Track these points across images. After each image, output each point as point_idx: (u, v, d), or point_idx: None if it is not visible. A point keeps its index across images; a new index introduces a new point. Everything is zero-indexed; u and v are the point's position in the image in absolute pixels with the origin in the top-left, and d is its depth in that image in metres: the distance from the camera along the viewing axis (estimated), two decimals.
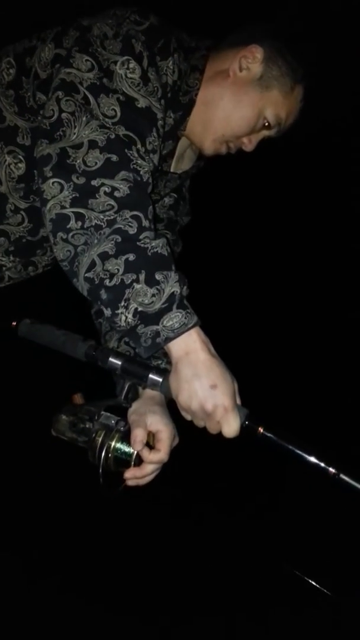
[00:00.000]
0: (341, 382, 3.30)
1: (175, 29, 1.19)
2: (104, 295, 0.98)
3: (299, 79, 1.20)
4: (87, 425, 1.08)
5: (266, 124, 1.22)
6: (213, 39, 1.27)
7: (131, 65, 1.04)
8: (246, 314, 3.55)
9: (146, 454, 1.10)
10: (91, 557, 2.32)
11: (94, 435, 1.07)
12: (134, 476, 1.10)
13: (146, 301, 0.96)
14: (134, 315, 0.97)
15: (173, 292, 0.97)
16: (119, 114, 1.02)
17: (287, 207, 3.47)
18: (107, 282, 0.97)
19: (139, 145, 1.03)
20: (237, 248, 3.64)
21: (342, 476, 0.99)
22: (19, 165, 1.17)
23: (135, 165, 1.01)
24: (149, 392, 1.16)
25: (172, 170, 1.32)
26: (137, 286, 0.95)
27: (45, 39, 1.16)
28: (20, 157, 1.16)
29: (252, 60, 1.19)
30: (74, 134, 0.99)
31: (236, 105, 1.20)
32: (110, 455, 1.07)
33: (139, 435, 1.09)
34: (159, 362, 1.19)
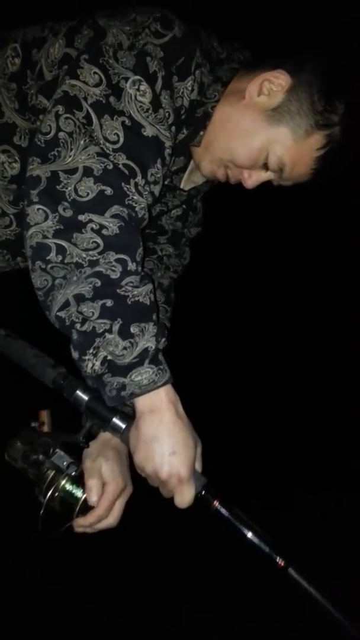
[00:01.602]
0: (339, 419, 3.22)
1: (205, 36, 1.07)
2: (74, 336, 0.92)
3: (321, 125, 1.03)
4: (41, 458, 1.03)
5: (266, 163, 1.08)
6: (252, 50, 1.13)
7: (142, 88, 0.94)
8: (245, 335, 3.50)
9: (80, 521, 1.05)
10: (87, 560, 2.27)
11: (45, 470, 1.02)
12: (80, 526, 1.06)
13: (117, 352, 0.90)
14: (102, 364, 0.91)
15: (147, 348, 0.90)
16: (121, 140, 0.93)
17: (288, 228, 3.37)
18: (78, 325, 0.91)
19: (138, 178, 0.95)
20: (238, 270, 3.57)
21: (290, 570, 0.93)
22: (14, 165, 1.08)
23: (130, 201, 0.93)
24: (106, 434, 1.10)
25: (182, 184, 1.23)
26: (108, 336, 0.89)
27: (57, 32, 1.05)
28: (16, 157, 1.08)
29: (275, 87, 1.04)
30: (70, 156, 0.91)
31: (241, 131, 1.06)
32: (57, 494, 1.02)
33: (94, 487, 1.04)
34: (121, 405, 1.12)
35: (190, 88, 0.99)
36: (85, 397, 1.03)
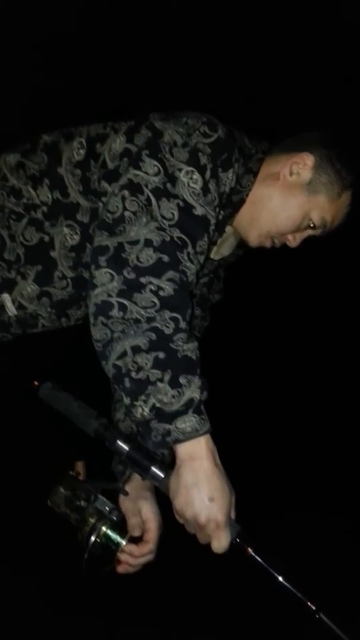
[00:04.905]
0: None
1: (238, 134, 1.27)
2: (127, 383, 1.01)
3: (347, 186, 1.27)
4: (83, 504, 1.10)
5: (311, 225, 1.29)
6: (270, 142, 1.36)
7: (194, 177, 1.11)
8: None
9: (134, 549, 1.12)
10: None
11: (87, 516, 1.09)
12: (131, 553, 1.16)
13: (165, 400, 0.99)
14: (150, 410, 1.00)
15: (192, 398, 0.99)
16: (176, 217, 1.09)
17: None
18: (133, 373, 1.00)
19: (189, 249, 1.09)
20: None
21: (322, 616, 0.98)
22: (74, 237, 1.24)
23: (183, 267, 1.07)
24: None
25: (212, 255, 1.39)
26: (160, 385, 0.99)
27: (118, 129, 1.24)
28: (77, 231, 1.24)
29: (302, 167, 1.26)
30: (133, 231, 1.06)
31: (283, 206, 1.27)
32: (99, 540, 1.08)
33: (136, 524, 1.17)
34: (164, 450, 1.20)
35: (230, 178, 1.18)
36: (126, 447, 1.10)
